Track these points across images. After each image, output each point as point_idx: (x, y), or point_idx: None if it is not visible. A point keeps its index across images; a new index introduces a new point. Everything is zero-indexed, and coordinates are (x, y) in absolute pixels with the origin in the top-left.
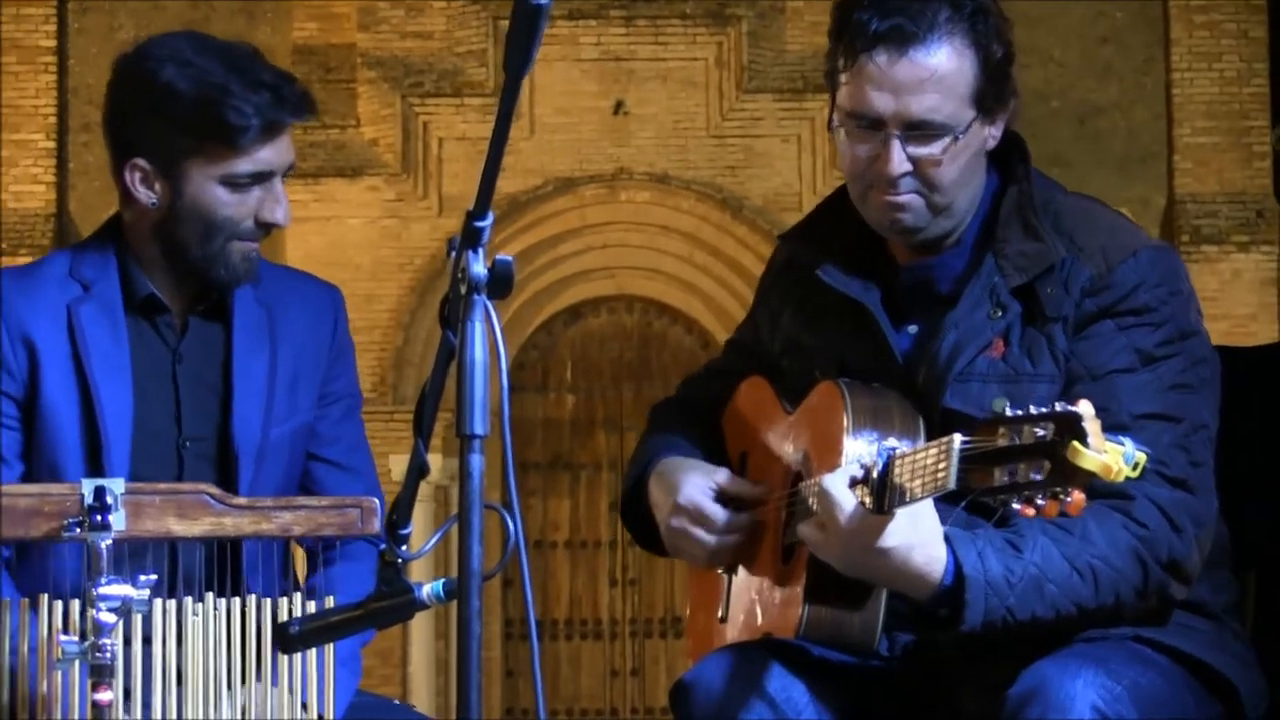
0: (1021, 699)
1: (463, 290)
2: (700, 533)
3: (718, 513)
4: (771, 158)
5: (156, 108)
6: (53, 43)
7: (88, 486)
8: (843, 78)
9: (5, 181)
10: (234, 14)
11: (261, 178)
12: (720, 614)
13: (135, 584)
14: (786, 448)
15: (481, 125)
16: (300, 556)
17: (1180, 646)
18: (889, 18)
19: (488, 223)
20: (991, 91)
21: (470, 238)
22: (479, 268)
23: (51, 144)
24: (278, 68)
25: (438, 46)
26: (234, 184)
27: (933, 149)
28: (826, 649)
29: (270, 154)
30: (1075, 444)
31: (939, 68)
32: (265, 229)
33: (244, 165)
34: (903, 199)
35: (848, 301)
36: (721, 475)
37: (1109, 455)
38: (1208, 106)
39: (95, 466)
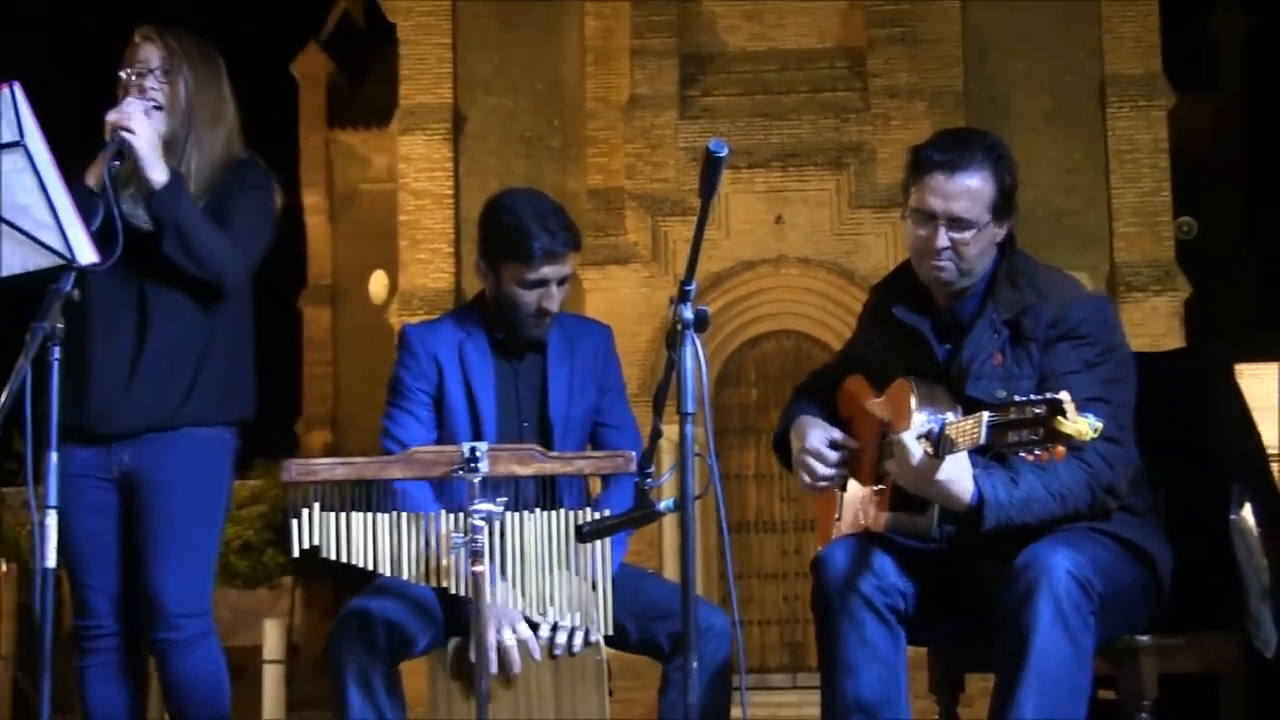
0: (1022, 566)
1: (679, 327)
2: (817, 465)
3: (829, 454)
4: (870, 248)
5: (490, 231)
6: (450, 191)
7: (465, 447)
8: (913, 189)
9: (427, 272)
10: (556, 171)
11: (542, 284)
12: (837, 516)
13: (494, 502)
14: (877, 415)
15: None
16: (594, 485)
17: (1119, 532)
18: (946, 154)
19: (692, 287)
20: (1002, 205)
21: (682, 296)
22: (688, 313)
23: (451, 250)
24: (564, 216)
25: (672, 186)
26: (524, 285)
27: (964, 235)
28: (902, 537)
29: (549, 270)
30: (1059, 417)
31: (973, 186)
32: (544, 314)
33: (530, 275)
34: (943, 264)
35: (911, 329)
36: (835, 432)
37: (1079, 424)
38: (1133, 210)
39: (476, 437)
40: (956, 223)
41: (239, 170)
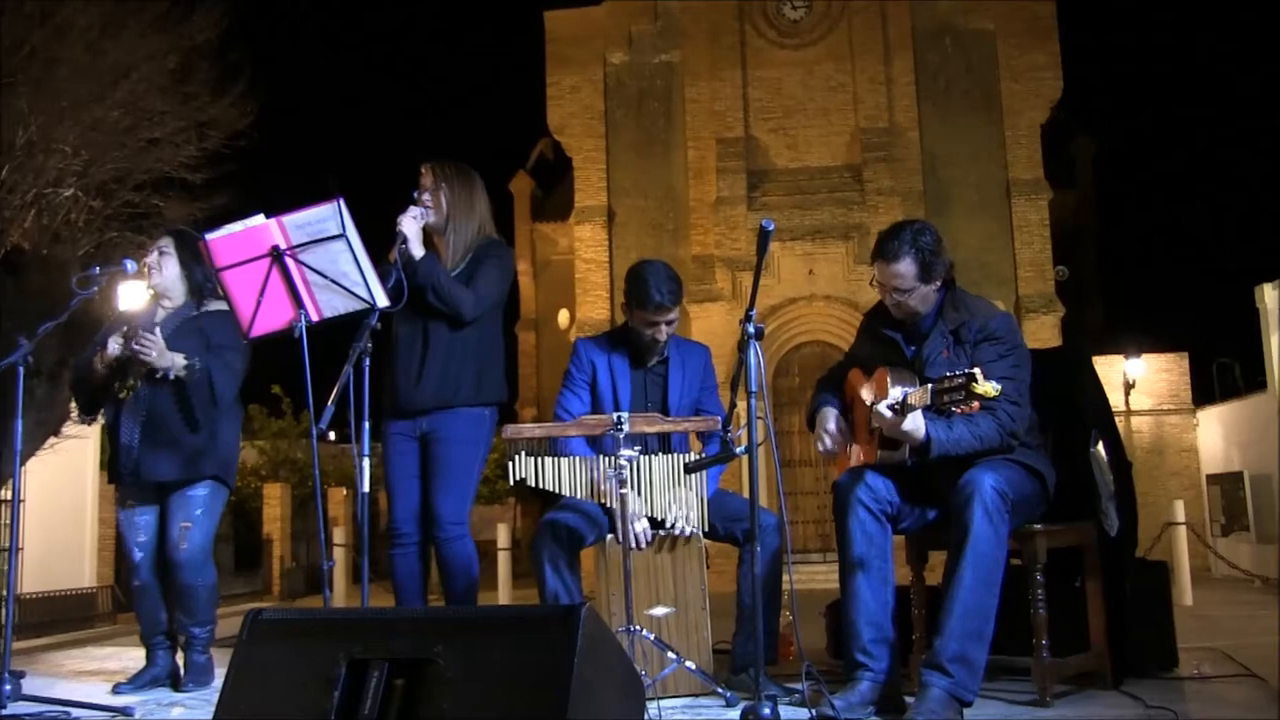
0: (963, 483)
1: (745, 338)
2: (830, 444)
3: (836, 433)
4: (867, 290)
5: (628, 287)
6: (607, 259)
7: (615, 416)
8: (875, 266)
9: (593, 309)
10: (671, 244)
11: (655, 324)
12: (848, 456)
13: (633, 449)
14: (867, 392)
15: (762, 282)
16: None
17: (1023, 460)
18: (883, 247)
19: (754, 312)
20: (928, 272)
21: (747, 318)
22: (750, 329)
23: (607, 296)
24: (674, 281)
25: (744, 252)
26: (645, 324)
27: (903, 297)
28: (888, 465)
29: (660, 316)
30: (973, 383)
31: (900, 269)
32: (656, 342)
33: (648, 317)
34: (897, 310)
35: (890, 339)
36: (837, 415)
37: (986, 387)
38: (1029, 262)
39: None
40: (896, 290)
41: (489, 246)
